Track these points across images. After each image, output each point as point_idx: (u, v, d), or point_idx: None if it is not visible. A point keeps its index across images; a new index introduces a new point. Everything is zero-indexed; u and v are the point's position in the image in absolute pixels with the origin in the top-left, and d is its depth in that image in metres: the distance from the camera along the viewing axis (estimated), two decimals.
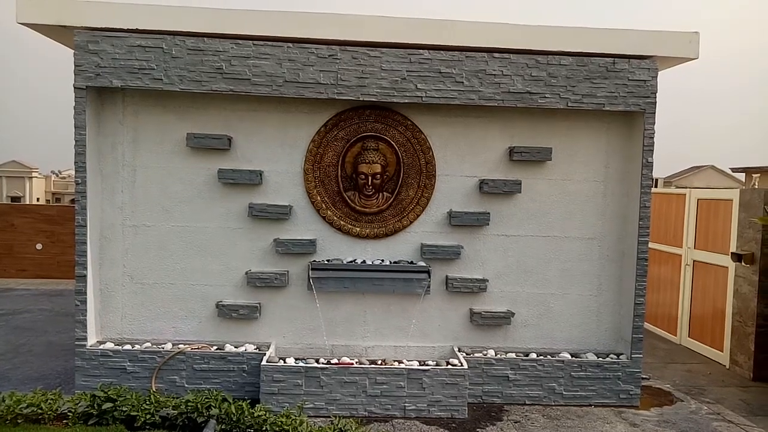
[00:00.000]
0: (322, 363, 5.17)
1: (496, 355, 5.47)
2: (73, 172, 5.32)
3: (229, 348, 5.37)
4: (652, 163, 5.36)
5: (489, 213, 5.54)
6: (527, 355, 5.51)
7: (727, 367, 6.71)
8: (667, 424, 5.04)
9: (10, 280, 10.98)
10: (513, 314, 5.60)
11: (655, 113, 5.34)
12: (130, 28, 5.05)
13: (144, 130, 5.40)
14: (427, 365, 5.18)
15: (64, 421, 4.50)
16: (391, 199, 5.53)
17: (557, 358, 5.45)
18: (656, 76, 5.33)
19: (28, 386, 5.24)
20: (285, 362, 5.11)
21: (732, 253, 6.57)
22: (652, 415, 5.23)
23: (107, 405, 4.48)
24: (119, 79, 5.07)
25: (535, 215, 5.63)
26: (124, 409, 4.46)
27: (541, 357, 5.46)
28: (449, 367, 5.13)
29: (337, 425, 4.37)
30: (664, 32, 5.32)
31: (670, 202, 8.02)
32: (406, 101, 5.24)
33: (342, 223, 5.52)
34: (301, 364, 5.09)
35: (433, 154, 5.53)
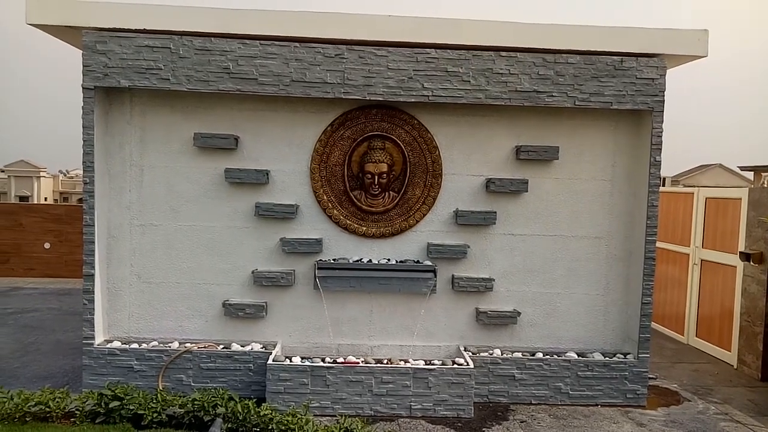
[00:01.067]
0: (328, 362, 5.17)
1: (502, 355, 5.46)
2: (80, 172, 5.35)
3: (235, 347, 5.39)
4: (660, 161, 5.33)
5: (495, 212, 5.53)
6: (533, 355, 5.49)
7: (735, 367, 6.67)
8: (675, 424, 5.02)
9: (18, 279, 11.05)
10: (519, 313, 5.59)
11: (663, 111, 5.31)
12: (138, 28, 5.07)
13: (151, 129, 5.42)
14: (433, 364, 5.17)
15: (72, 419, 4.53)
16: (398, 199, 5.53)
17: (564, 357, 5.43)
18: (664, 75, 5.30)
19: (36, 384, 5.27)
20: (291, 361, 5.12)
21: (740, 252, 6.53)
22: (659, 415, 5.21)
23: (114, 403, 4.50)
24: (127, 79, 5.09)
25: (542, 214, 5.61)
26: (131, 407, 4.49)
27: (548, 356, 5.44)
28: (455, 366, 5.12)
29: (343, 424, 4.37)
30: (673, 30, 5.29)
31: (677, 201, 7.98)
32: (413, 100, 5.24)
33: (348, 222, 5.52)
34: (307, 363, 5.10)
35: (439, 153, 5.52)
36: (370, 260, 5.51)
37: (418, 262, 5.53)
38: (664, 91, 5.30)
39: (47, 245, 11.34)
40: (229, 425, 4.38)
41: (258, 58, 5.12)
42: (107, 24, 5.05)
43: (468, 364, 5.14)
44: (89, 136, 5.10)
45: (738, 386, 6.12)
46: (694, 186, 8.99)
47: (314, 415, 4.75)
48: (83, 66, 5.06)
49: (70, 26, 5.07)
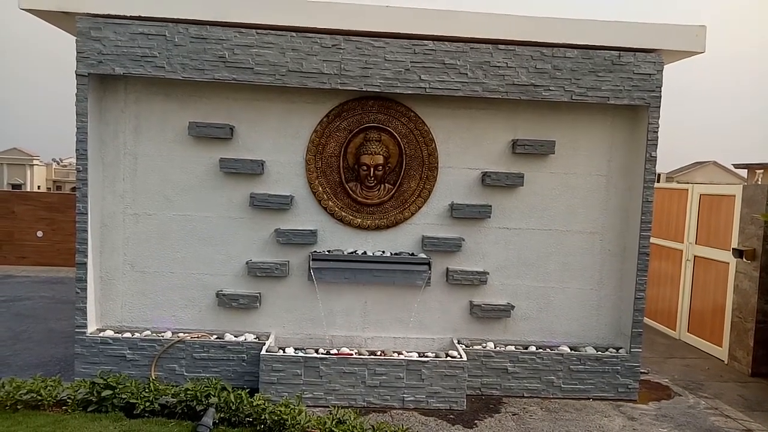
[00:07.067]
0: (322, 353, 5.18)
1: (495, 348, 5.48)
2: (74, 160, 5.30)
3: (228, 337, 5.38)
4: (656, 157, 5.34)
5: (491, 206, 5.53)
6: (526, 348, 5.51)
7: (726, 362, 6.71)
8: (665, 419, 5.05)
9: (10, 267, 11.00)
10: (513, 307, 5.60)
11: (659, 107, 5.31)
12: (133, 15, 5.02)
13: (146, 118, 5.38)
14: (427, 357, 5.19)
15: (64, 407, 4.52)
16: (393, 191, 5.51)
17: (556, 351, 5.45)
18: (662, 70, 5.30)
19: (28, 372, 5.25)
20: (284, 352, 5.11)
21: (733, 249, 6.57)
22: (650, 409, 5.24)
23: (106, 392, 4.49)
24: (121, 66, 5.04)
25: (537, 208, 5.62)
26: (124, 396, 4.48)
27: (541, 350, 5.46)
28: (448, 359, 5.13)
29: (336, 415, 4.37)
30: (670, 25, 5.28)
31: (672, 198, 8.00)
32: (410, 92, 5.21)
33: (343, 214, 5.51)
34: (300, 354, 5.10)
35: (435, 145, 5.51)
36: (365, 252, 5.50)
37: (412, 254, 5.53)
38: (661, 87, 5.30)
39: (40, 233, 11.28)
40: (222, 415, 4.38)
41: (254, 47, 5.08)
42: (102, 10, 4.99)
43: (461, 357, 5.15)
44: (83, 123, 5.06)
45: (728, 381, 6.16)
46: (688, 183, 9.00)
47: (307, 406, 4.75)
48: (77, 53, 5.01)
49: (64, 12, 5.00)
